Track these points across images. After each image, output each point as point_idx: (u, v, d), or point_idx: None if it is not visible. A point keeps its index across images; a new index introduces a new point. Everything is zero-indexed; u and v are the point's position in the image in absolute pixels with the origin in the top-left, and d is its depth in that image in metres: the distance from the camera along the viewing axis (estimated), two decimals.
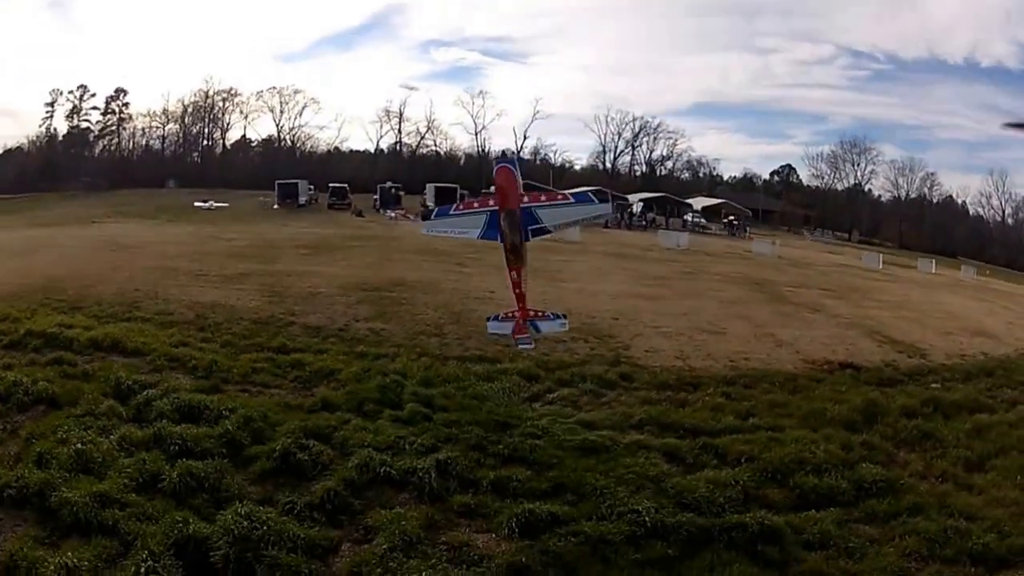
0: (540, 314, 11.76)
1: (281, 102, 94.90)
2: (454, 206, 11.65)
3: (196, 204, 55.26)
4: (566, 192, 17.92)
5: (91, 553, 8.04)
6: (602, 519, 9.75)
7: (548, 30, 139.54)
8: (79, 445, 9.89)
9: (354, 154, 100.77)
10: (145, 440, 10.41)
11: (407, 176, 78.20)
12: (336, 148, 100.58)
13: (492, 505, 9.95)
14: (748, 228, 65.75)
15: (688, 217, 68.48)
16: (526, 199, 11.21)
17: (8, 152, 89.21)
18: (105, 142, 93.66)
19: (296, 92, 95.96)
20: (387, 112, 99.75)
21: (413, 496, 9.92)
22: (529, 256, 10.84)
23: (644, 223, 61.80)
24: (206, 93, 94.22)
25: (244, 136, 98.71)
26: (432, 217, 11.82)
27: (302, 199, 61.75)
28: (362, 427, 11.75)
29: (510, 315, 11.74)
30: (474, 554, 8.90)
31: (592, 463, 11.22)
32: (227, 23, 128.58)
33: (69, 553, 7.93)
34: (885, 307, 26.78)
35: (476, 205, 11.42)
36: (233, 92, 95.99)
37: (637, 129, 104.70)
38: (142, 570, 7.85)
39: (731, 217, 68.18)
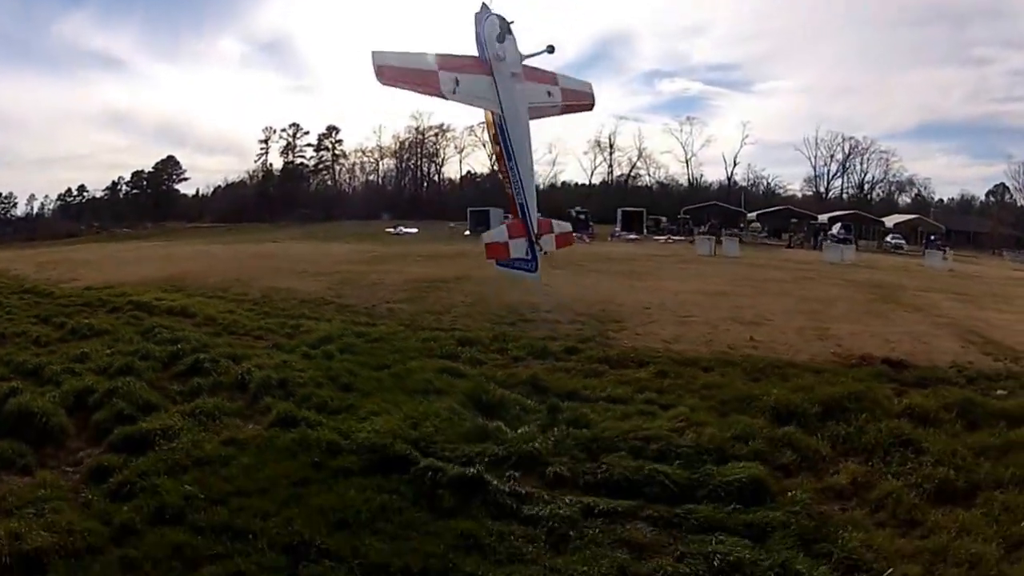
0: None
1: None
2: None
3: (387, 230, 65.40)
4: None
5: None
6: None
7: (767, 53, 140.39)
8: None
9: (571, 187, 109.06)
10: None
11: (618, 207, 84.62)
12: (562, 181, 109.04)
13: None
14: (948, 248, 57.95)
15: (887, 238, 69.10)
16: None
17: (231, 186, 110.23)
18: (320, 177, 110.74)
19: None
20: (598, 143, 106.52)
21: None
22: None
23: (829, 241, 60.76)
24: (417, 128, 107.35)
25: (469, 172, 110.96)
26: None
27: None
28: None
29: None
30: None
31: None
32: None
33: None
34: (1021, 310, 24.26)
35: None
36: (444, 128, 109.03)
37: (848, 150, 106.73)
38: None
39: (932, 236, 67.58)
